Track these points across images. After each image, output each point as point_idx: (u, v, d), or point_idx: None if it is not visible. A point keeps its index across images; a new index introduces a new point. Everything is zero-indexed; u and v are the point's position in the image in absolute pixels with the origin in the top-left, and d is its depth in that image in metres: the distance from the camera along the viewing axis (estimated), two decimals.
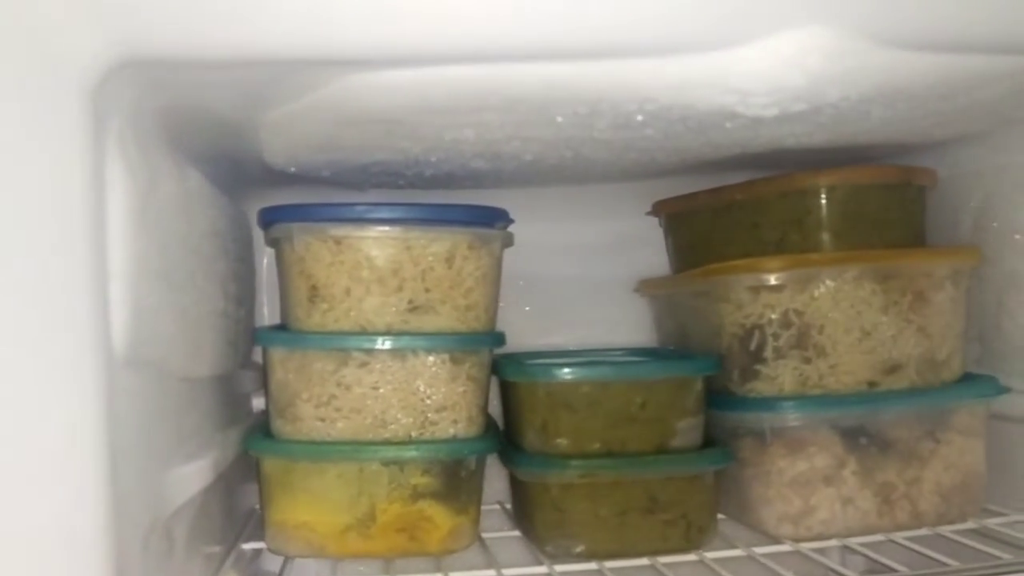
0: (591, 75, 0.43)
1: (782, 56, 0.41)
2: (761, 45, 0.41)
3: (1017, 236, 0.65)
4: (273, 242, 0.66)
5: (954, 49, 0.43)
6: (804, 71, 0.42)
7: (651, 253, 0.84)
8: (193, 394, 0.55)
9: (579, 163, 0.67)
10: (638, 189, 0.81)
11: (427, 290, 0.62)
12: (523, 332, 0.82)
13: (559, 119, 0.50)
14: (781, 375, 0.64)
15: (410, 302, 0.62)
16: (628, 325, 0.85)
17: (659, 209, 0.79)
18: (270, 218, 0.64)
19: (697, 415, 0.64)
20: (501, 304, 0.73)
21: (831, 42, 0.41)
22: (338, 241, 0.61)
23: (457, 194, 0.78)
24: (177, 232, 0.49)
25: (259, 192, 0.74)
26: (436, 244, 0.62)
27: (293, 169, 0.66)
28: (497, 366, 0.66)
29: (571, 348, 0.82)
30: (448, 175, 0.70)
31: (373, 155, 0.60)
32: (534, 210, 0.85)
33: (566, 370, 0.61)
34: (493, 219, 0.65)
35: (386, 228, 0.61)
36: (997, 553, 0.58)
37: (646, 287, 0.80)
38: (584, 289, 0.87)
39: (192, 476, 0.52)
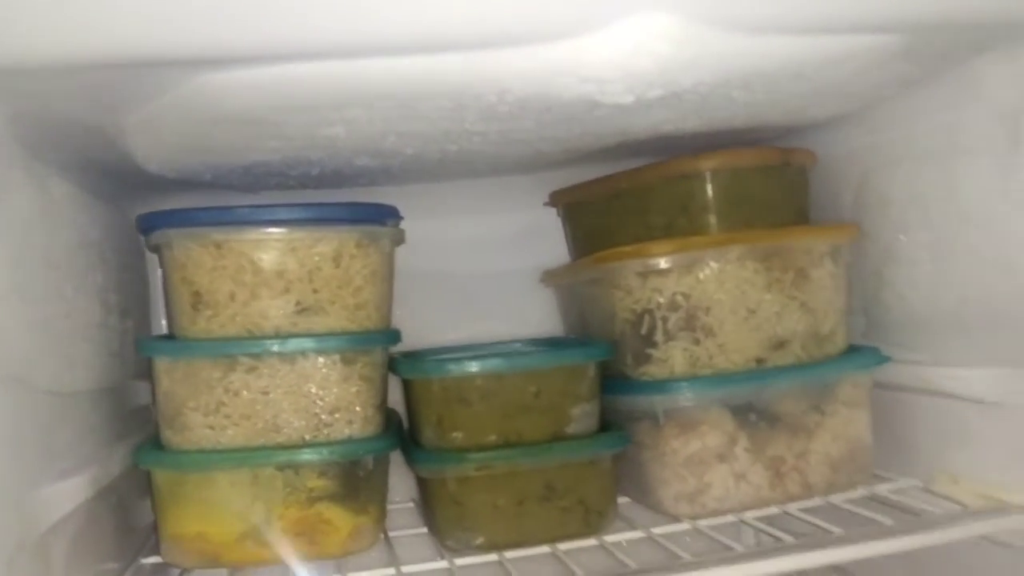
0: (443, 69, 0.43)
1: (629, 43, 0.42)
2: (608, 32, 0.41)
3: (893, 210, 0.67)
4: (154, 249, 0.64)
5: (800, 31, 0.44)
6: (653, 57, 0.43)
7: (555, 243, 0.85)
8: (67, 409, 0.53)
9: (466, 156, 0.67)
10: (539, 180, 0.82)
11: (315, 291, 0.62)
12: (430, 328, 0.83)
13: (427, 113, 0.50)
14: (672, 357, 0.65)
15: (297, 303, 0.61)
16: (536, 316, 0.85)
17: (555, 200, 0.80)
18: (148, 225, 0.62)
19: (591, 401, 0.64)
20: (406, 301, 0.73)
21: (676, 28, 0.42)
22: (219, 245, 0.60)
23: (352, 192, 0.78)
24: (34, 245, 0.48)
25: (146, 199, 0.73)
26: (322, 244, 0.61)
27: (173, 174, 0.64)
28: (393, 364, 0.66)
29: (479, 342, 0.82)
30: (336, 173, 0.69)
31: (248, 156, 0.59)
32: (434, 206, 0.85)
33: (457, 365, 0.61)
34: (381, 216, 0.65)
35: (268, 230, 0.60)
36: (881, 519, 0.60)
37: (548, 278, 0.81)
38: (489, 282, 0.87)
39: (67, 493, 0.50)
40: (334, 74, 0.41)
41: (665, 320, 0.64)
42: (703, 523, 0.64)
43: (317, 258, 0.61)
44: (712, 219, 0.67)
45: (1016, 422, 0.59)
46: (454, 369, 0.61)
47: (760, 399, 0.64)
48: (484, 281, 0.87)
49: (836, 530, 0.58)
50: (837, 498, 0.65)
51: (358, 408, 0.62)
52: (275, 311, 0.61)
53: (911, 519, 0.59)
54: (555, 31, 0.41)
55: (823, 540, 0.56)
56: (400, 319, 0.74)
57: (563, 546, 0.62)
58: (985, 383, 0.60)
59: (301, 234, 0.60)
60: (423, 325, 0.81)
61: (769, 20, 0.43)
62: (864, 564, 0.65)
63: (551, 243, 0.85)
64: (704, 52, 0.43)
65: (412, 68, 0.42)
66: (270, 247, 0.60)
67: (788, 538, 0.58)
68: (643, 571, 0.55)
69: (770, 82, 0.50)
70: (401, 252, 0.73)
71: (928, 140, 0.63)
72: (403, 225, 0.71)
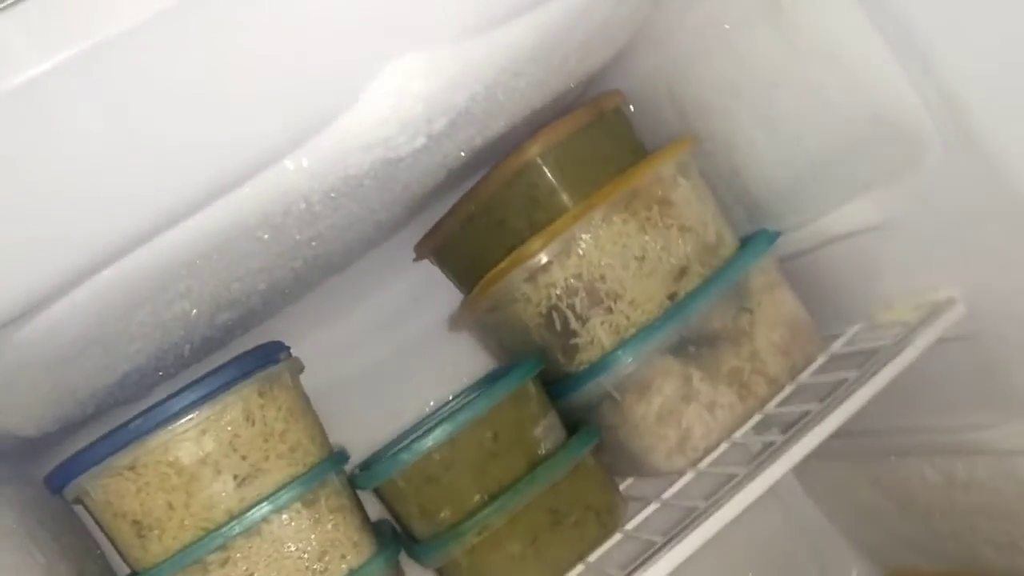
0: (235, 208, 0.42)
1: (388, 99, 0.42)
2: (364, 100, 0.42)
3: (710, 106, 0.69)
4: (75, 501, 0.62)
5: (530, 6, 0.45)
6: (416, 99, 0.43)
7: (448, 287, 0.85)
8: None
9: (320, 260, 0.66)
10: (403, 241, 0.82)
11: (244, 458, 0.60)
12: (375, 428, 0.81)
13: (251, 249, 0.50)
14: (595, 336, 0.65)
15: (235, 478, 0.60)
16: (466, 361, 0.85)
17: (420, 252, 0.79)
18: (55, 484, 0.60)
19: (548, 415, 0.64)
20: (339, 414, 0.72)
21: (421, 65, 0.42)
22: (132, 467, 0.58)
23: (242, 342, 0.76)
24: None
25: (50, 455, 0.70)
26: (227, 412, 0.60)
27: (56, 425, 0.62)
28: (353, 481, 0.65)
29: (427, 413, 0.81)
30: (208, 338, 0.67)
31: (114, 372, 0.57)
32: (322, 312, 0.85)
33: (407, 452, 0.60)
34: (268, 358, 0.63)
35: (170, 428, 0.58)
36: (846, 373, 0.61)
37: (453, 325, 0.80)
38: (408, 354, 0.87)
39: None
40: (131, 267, 0.40)
41: (572, 307, 0.65)
42: (703, 465, 0.65)
43: (230, 428, 0.60)
44: (564, 197, 0.67)
45: (910, 229, 0.61)
46: (406, 458, 0.60)
47: (690, 330, 0.65)
48: (402, 356, 0.87)
49: (814, 406, 0.59)
50: (804, 376, 0.67)
51: (343, 540, 0.61)
52: (218, 497, 0.59)
53: (871, 361, 0.61)
54: (315, 124, 0.41)
55: (808, 422, 0.57)
56: (341, 435, 0.73)
57: (592, 556, 0.62)
58: (866, 211, 0.62)
59: (203, 415, 0.59)
60: (366, 428, 0.80)
61: (498, 11, 0.44)
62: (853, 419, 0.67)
63: (445, 289, 0.85)
64: (458, 69, 0.44)
65: (205, 222, 0.41)
66: (181, 442, 0.59)
67: (777, 437, 0.59)
68: (671, 540, 0.55)
69: (538, 59, 0.51)
70: (312, 370, 0.72)
71: (706, 32, 0.65)
72: (300, 344, 0.70)
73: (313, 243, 0.58)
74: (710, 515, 0.53)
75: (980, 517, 0.70)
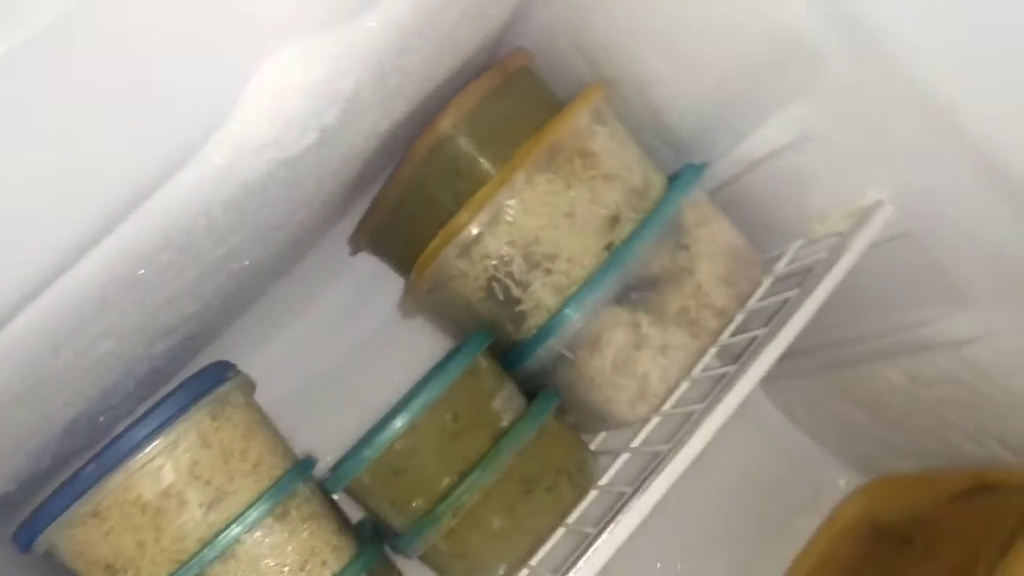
0: (132, 236, 0.41)
1: (266, 99, 0.41)
2: (243, 105, 0.40)
3: (615, 50, 0.68)
4: (47, 556, 0.61)
5: None
6: (296, 93, 0.42)
7: (395, 277, 0.84)
8: None
9: (249, 271, 0.65)
10: (341, 236, 0.81)
11: (208, 482, 0.59)
12: (350, 428, 0.80)
13: (168, 275, 0.48)
14: (539, 299, 0.64)
15: (201, 505, 0.59)
16: (428, 347, 0.85)
17: (355, 245, 0.78)
18: (23, 542, 0.59)
19: (503, 386, 0.64)
20: (301, 424, 0.72)
21: (292, 59, 0.41)
22: (95, 512, 0.57)
23: (194, 363, 0.75)
24: None
25: (17, 514, 0.69)
26: (182, 440, 0.59)
27: (15, 484, 0.61)
28: (324, 486, 0.64)
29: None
30: (154, 371, 0.66)
31: (59, 420, 0.56)
32: (270, 322, 0.84)
33: (368, 448, 0.59)
34: (214, 380, 0.62)
35: (122, 473, 0.57)
36: (788, 293, 0.61)
37: (403, 312, 0.80)
38: (368, 350, 0.86)
39: None
40: (33, 319, 0.39)
41: (510, 275, 0.64)
42: (667, 408, 0.65)
43: (187, 456, 0.59)
44: (485, 165, 0.66)
45: (829, 140, 0.61)
46: (368, 454, 0.59)
47: (631, 277, 0.64)
48: (362, 351, 0.86)
49: (762, 331, 0.59)
50: (752, 303, 0.67)
51: (321, 547, 0.61)
52: (187, 527, 0.58)
53: (810, 277, 0.60)
54: (196, 139, 0.39)
55: (756, 348, 0.57)
56: (315, 441, 0.73)
57: (571, 518, 0.62)
58: (783, 129, 0.62)
59: (157, 448, 0.58)
60: (339, 430, 0.79)
61: None
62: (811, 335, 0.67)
63: (391, 277, 0.84)
64: (336, 57, 0.43)
65: (101, 257, 0.40)
66: (140, 479, 0.58)
67: (730, 368, 0.58)
68: (638, 489, 0.54)
69: (422, 33, 0.50)
70: (274, 381, 0.71)
71: None
72: (256, 357, 0.70)
73: (235, 256, 0.57)
74: (673, 457, 0.53)
75: (948, 410, 0.71)
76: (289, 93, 0.42)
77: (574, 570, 0.51)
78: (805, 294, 0.57)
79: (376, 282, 0.85)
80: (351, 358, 0.86)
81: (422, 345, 0.85)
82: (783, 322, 0.57)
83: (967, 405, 0.68)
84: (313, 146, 0.47)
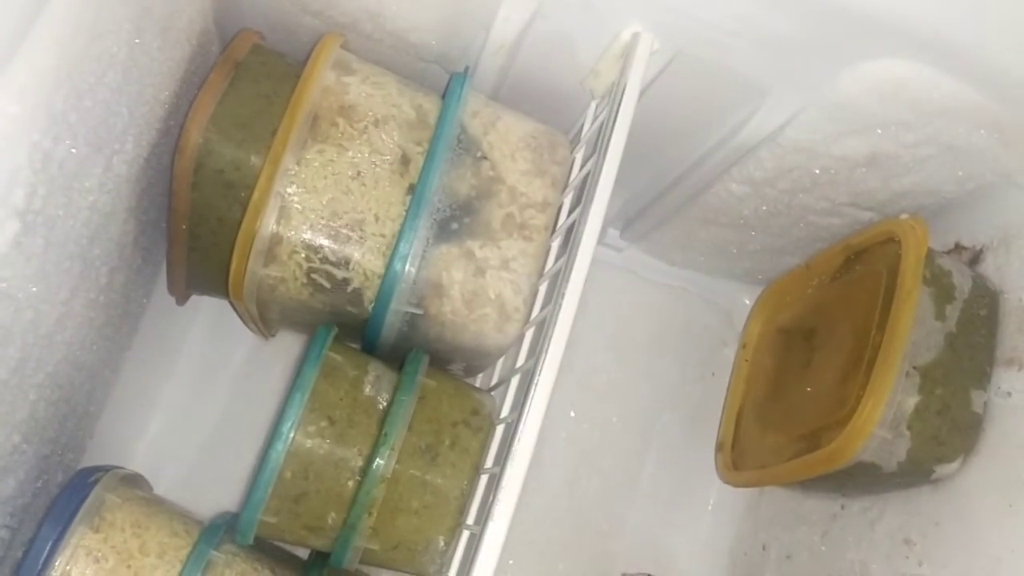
0: None
1: None
2: None
3: None
4: None
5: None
6: None
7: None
8: None
9: (72, 374, 0.61)
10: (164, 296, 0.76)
11: None
12: (229, 478, 0.79)
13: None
14: (364, 268, 0.61)
15: None
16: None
17: (177, 296, 0.73)
18: None
19: (367, 370, 0.61)
20: (226, 476, 0.70)
21: None
22: None
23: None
24: None
25: None
26: (73, 569, 0.56)
27: None
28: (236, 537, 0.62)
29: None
30: (25, 506, 0.62)
31: None
32: (139, 399, 0.80)
33: (256, 491, 0.56)
34: (80, 495, 0.58)
35: None
36: (588, 167, 0.59)
37: (257, 334, 0.76)
38: (246, 385, 0.83)
39: None
40: None
41: (325, 259, 0.61)
42: (535, 317, 0.63)
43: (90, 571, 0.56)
44: (254, 161, 0.62)
45: None
46: (259, 496, 0.56)
47: (444, 209, 0.61)
48: (242, 389, 0.83)
49: (577, 212, 0.57)
50: (572, 180, 0.64)
51: None
52: None
53: (602, 137, 0.58)
54: None
55: (577, 230, 0.55)
56: (227, 497, 0.70)
57: (488, 462, 0.60)
58: (519, 2, 0.59)
59: None
60: (224, 481, 0.78)
61: None
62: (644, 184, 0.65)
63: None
64: None
65: None
66: None
67: (563, 260, 0.57)
68: (521, 412, 0.53)
69: (99, 61, 0.45)
70: (163, 460, 0.68)
71: None
72: (135, 444, 0.66)
73: (28, 371, 0.53)
74: (541, 368, 0.51)
75: (799, 197, 0.71)
76: None
77: (493, 516, 0.50)
78: (600, 158, 0.55)
79: (226, 315, 0.81)
80: (234, 397, 0.83)
81: (297, 354, 0.83)
82: (592, 192, 0.55)
83: (811, 186, 0.68)
84: (23, 233, 0.43)
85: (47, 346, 0.54)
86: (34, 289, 0.48)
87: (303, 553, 0.69)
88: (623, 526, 0.88)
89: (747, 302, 0.92)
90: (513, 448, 0.50)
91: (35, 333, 0.51)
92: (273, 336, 0.78)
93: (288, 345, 0.84)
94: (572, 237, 0.55)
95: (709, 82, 0.60)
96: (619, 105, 0.55)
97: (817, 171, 0.66)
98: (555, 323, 0.52)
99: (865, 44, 0.53)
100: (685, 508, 0.88)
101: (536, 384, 0.51)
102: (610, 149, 0.54)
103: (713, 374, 0.92)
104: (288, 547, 0.68)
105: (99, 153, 0.51)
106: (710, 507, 0.88)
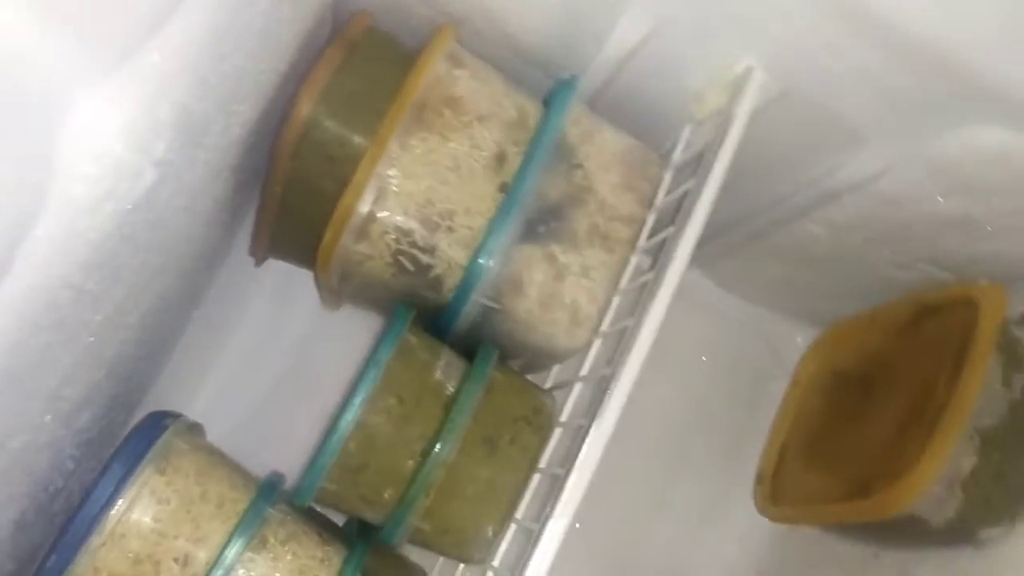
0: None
1: (80, 155, 0.38)
2: (58, 166, 0.38)
3: None
4: None
5: None
6: (110, 138, 0.39)
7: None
8: None
9: (155, 316, 0.63)
10: (242, 248, 0.78)
11: (175, 537, 0.58)
12: (308, 438, 0.80)
13: (47, 357, 0.46)
14: (449, 258, 0.63)
15: (176, 561, 0.58)
16: (366, 333, 0.83)
17: (257, 256, 0.75)
18: None
19: (440, 355, 0.63)
20: (256, 443, 0.71)
21: (93, 102, 0.38)
22: None
23: (132, 419, 0.74)
24: None
25: None
26: (135, 507, 0.57)
27: None
28: (293, 501, 0.63)
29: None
30: (88, 442, 0.64)
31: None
32: (200, 356, 0.82)
33: (321, 455, 0.58)
34: (151, 436, 0.60)
35: (84, 556, 0.55)
36: (687, 185, 0.60)
37: (325, 304, 0.78)
38: (303, 355, 0.85)
39: None
40: None
41: (414, 244, 0.62)
42: (605, 327, 0.64)
43: (146, 519, 0.58)
44: (356, 140, 0.64)
45: (685, 19, 0.59)
46: (323, 461, 0.58)
47: (532, 210, 0.63)
48: (298, 359, 0.85)
49: (670, 229, 0.58)
50: (659, 200, 0.66)
51: (308, 563, 0.60)
52: None
53: (703, 162, 0.59)
54: (23, 218, 0.37)
55: (668, 249, 0.57)
56: (275, 460, 0.72)
57: (543, 462, 0.62)
58: (639, 21, 0.60)
59: (112, 520, 0.56)
60: (298, 442, 0.78)
61: (142, 22, 0.40)
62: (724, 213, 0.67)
63: (307, 276, 0.82)
64: (139, 91, 0.40)
65: None
66: (106, 555, 0.56)
67: (649, 275, 0.58)
68: (593, 420, 0.54)
69: (228, 38, 0.47)
70: (216, 416, 0.70)
71: None
72: (197, 394, 0.68)
73: (125, 311, 0.55)
74: (617, 379, 0.53)
75: (875, 247, 0.71)
76: (105, 143, 0.39)
77: (554, 515, 0.51)
78: (701, 182, 0.56)
79: (293, 283, 0.83)
80: (292, 365, 0.85)
81: (357, 330, 0.84)
82: (687, 215, 0.56)
83: (891, 238, 0.69)
84: (157, 183, 0.45)
85: (144, 290, 0.56)
86: (150, 236, 0.50)
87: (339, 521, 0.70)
88: (647, 544, 0.89)
89: (799, 340, 0.93)
90: (582, 451, 0.52)
91: (140, 276, 0.53)
92: (338, 309, 0.80)
93: (349, 319, 0.85)
94: (663, 255, 0.57)
95: (811, 122, 0.61)
96: (725, 134, 0.56)
97: (901, 225, 0.66)
98: (638, 336, 0.53)
99: (977, 108, 0.53)
100: (712, 535, 0.89)
101: (611, 393, 0.52)
102: (711, 176, 0.55)
103: (755, 406, 0.93)
104: (329, 515, 0.69)
105: (222, 113, 0.53)
106: (737, 537, 0.89)
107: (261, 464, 0.74)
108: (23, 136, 0.37)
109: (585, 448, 0.52)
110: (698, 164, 0.60)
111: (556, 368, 0.74)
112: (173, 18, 0.41)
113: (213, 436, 0.73)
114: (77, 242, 0.41)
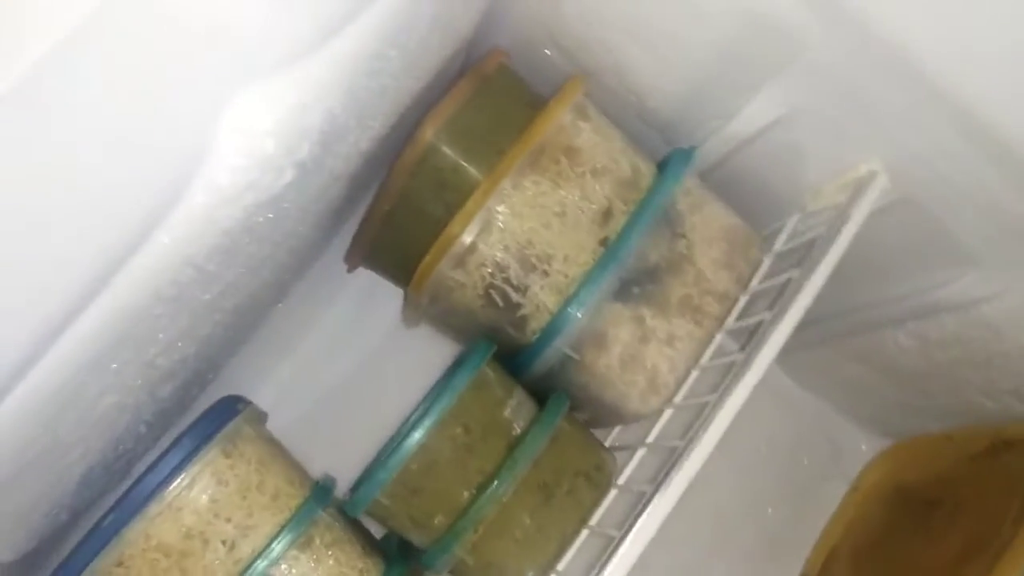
0: (115, 298, 0.40)
1: (234, 147, 0.40)
2: (214, 153, 0.40)
3: (587, 41, 0.66)
4: None
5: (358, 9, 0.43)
6: (265, 136, 0.41)
7: (394, 288, 0.84)
8: None
9: (248, 304, 0.65)
10: (335, 254, 0.80)
11: (228, 520, 0.59)
12: (362, 448, 0.81)
13: (153, 329, 0.48)
14: (539, 301, 0.64)
15: (224, 543, 0.59)
16: (436, 353, 0.84)
17: (351, 262, 0.77)
18: None
19: (513, 394, 0.63)
20: (316, 447, 0.72)
21: (257, 98, 0.40)
22: (119, 563, 0.57)
23: (203, 398, 0.76)
24: None
25: (45, 568, 0.69)
26: (196, 483, 0.59)
27: (34, 542, 0.61)
28: (344, 509, 0.64)
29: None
30: (163, 411, 0.66)
31: (65, 486, 0.56)
32: (274, 347, 0.84)
33: (383, 470, 0.59)
34: (222, 417, 0.62)
35: (141, 521, 0.57)
36: (790, 273, 0.60)
37: (406, 321, 0.79)
38: (375, 363, 0.86)
39: None
40: (30, 390, 0.39)
41: (507, 281, 0.64)
42: (679, 399, 0.64)
43: (205, 496, 0.59)
44: (472, 172, 0.65)
45: (816, 113, 0.60)
46: (383, 476, 0.59)
47: (629, 270, 0.63)
48: (370, 365, 0.86)
49: (766, 314, 0.58)
50: (755, 283, 0.66)
51: (348, 571, 0.61)
52: (212, 567, 0.58)
53: (811, 254, 0.59)
54: (168, 199, 0.39)
55: (763, 333, 0.57)
56: (327, 463, 0.73)
57: (593, 519, 0.62)
58: (769, 105, 0.61)
59: (173, 493, 0.58)
60: (358, 448, 0.79)
61: (321, 25, 0.42)
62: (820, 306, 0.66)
63: (391, 288, 0.84)
64: (300, 93, 0.42)
65: (88, 326, 0.40)
66: (160, 525, 0.58)
67: (738, 356, 0.58)
68: (658, 488, 0.54)
69: (387, 54, 0.49)
70: (278, 409, 0.71)
71: None
72: (264, 383, 0.69)
73: (228, 294, 0.57)
74: (689, 454, 0.53)
75: (964, 370, 0.70)
76: (258, 138, 0.41)
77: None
78: (807, 273, 0.56)
79: (376, 294, 0.85)
80: (360, 373, 0.86)
81: (429, 352, 0.85)
82: (787, 304, 0.56)
83: (981, 364, 0.68)
84: (292, 183, 0.47)
85: (249, 279, 0.58)
86: (268, 229, 0.52)
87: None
88: None
89: (863, 447, 0.91)
90: (641, 519, 0.52)
91: (247, 265, 0.55)
92: (416, 327, 0.81)
93: (424, 340, 0.86)
94: (755, 339, 0.56)
95: (924, 234, 0.61)
96: (839, 232, 0.56)
97: (997, 353, 0.65)
98: (717, 414, 0.53)
99: None
100: None
101: (681, 467, 0.52)
102: (819, 269, 0.55)
103: (808, 503, 0.91)
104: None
105: (358, 126, 0.55)
106: None
107: (309, 463, 0.75)
108: (186, 117, 0.39)
109: (646, 516, 0.52)
110: (804, 255, 0.60)
111: (617, 428, 0.75)
112: (339, 34, 0.43)
113: (271, 426, 0.75)
114: (212, 227, 0.43)
